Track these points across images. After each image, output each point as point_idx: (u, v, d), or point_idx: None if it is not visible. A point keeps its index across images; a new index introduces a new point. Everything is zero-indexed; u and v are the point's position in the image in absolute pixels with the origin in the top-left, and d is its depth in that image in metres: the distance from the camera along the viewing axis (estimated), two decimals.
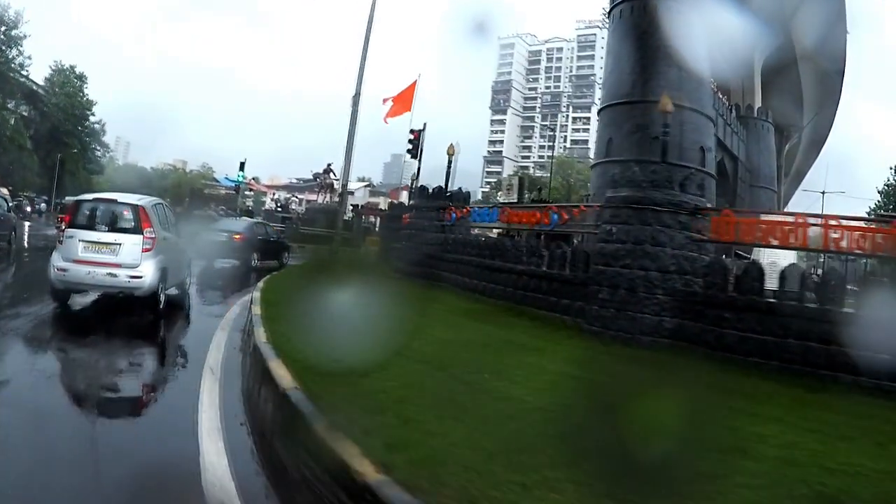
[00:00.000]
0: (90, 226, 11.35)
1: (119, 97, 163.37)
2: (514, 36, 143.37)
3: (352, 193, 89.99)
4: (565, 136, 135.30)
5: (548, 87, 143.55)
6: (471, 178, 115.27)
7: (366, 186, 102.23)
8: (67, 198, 47.99)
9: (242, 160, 51.65)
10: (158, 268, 11.43)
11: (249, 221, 28.75)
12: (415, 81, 43.93)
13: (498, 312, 14.91)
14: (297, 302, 11.69)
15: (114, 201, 11.85)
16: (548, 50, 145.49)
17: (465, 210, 21.96)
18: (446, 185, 23.72)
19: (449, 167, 24.69)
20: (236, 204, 60.99)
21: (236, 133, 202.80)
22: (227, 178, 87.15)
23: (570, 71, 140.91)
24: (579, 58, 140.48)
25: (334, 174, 60.38)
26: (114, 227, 11.40)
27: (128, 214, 11.52)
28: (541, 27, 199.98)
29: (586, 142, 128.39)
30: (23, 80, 64.45)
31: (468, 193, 24.68)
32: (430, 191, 23.61)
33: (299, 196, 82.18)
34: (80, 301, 11.97)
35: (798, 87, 47.74)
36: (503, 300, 16.05)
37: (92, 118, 72.26)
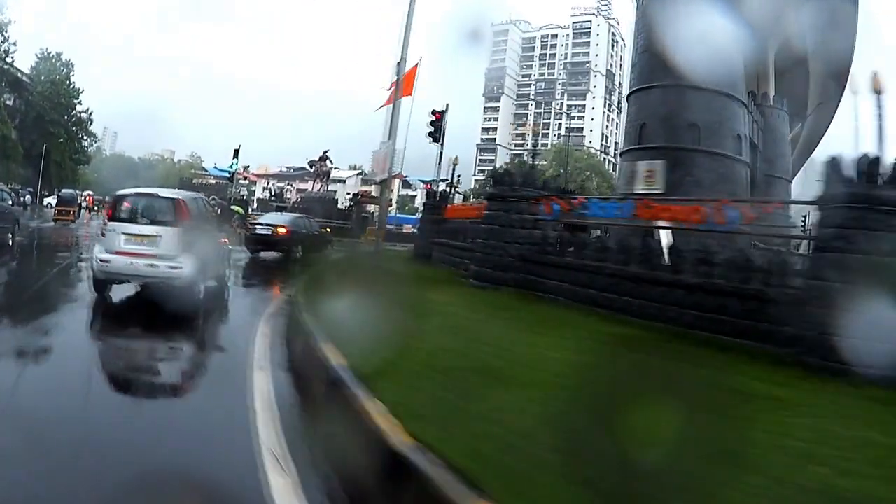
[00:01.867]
0: (131, 219, 11.79)
1: (104, 87, 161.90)
2: (507, 22, 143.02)
3: (343, 182, 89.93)
4: (559, 125, 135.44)
5: (542, 75, 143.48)
6: (462, 168, 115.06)
7: (358, 174, 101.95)
8: (66, 190, 47.86)
9: (236, 147, 50.76)
10: (198, 259, 11.78)
11: (293, 216, 29.37)
12: (416, 65, 43.46)
13: (665, 340, 11.32)
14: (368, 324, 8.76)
15: (154, 195, 12.37)
16: (542, 37, 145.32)
17: (574, 201, 17.90)
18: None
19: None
20: (228, 193, 60.57)
21: (221, 123, 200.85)
22: (216, 168, 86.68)
23: (565, 58, 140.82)
24: (574, 45, 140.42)
25: (331, 161, 59.98)
26: (154, 220, 11.76)
27: (168, 208, 11.88)
28: (535, 14, 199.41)
29: (581, 130, 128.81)
30: (6, 67, 63.68)
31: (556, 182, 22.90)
32: (512, 177, 19.56)
33: (290, 185, 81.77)
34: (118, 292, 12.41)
35: (806, 78, 47.81)
36: (659, 321, 12.37)
37: (79, 107, 71.65)
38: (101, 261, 11.49)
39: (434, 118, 30.60)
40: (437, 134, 30.78)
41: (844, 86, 51.48)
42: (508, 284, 16.69)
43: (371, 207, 52.71)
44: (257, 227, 25.47)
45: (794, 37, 42.25)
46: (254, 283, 18.90)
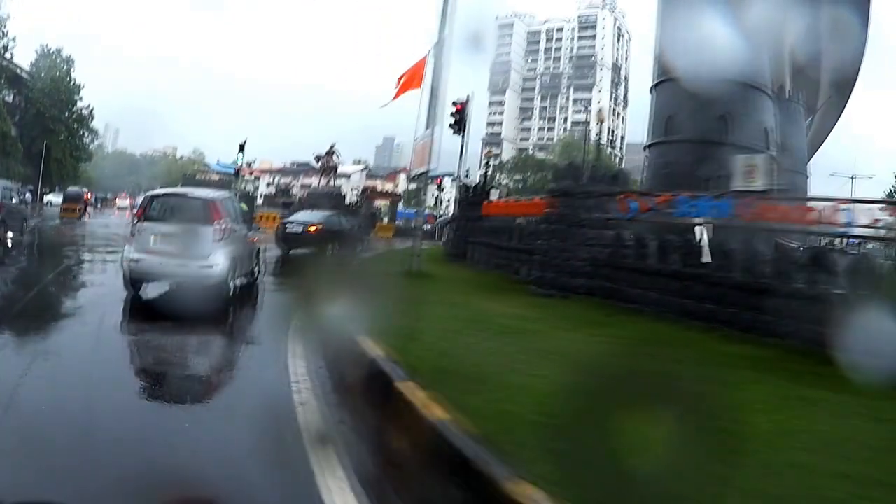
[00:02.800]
0: (162, 219, 12.05)
1: (106, 84, 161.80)
2: (512, 16, 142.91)
3: (348, 177, 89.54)
4: (565, 118, 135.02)
5: (547, 69, 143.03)
6: (468, 162, 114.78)
7: (362, 170, 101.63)
8: (72, 188, 48.05)
9: (242, 141, 49.88)
10: (228, 258, 12.00)
11: (325, 213, 29.49)
12: (424, 57, 43.02)
13: (811, 364, 8.92)
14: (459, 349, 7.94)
15: (185, 195, 13.11)
16: (547, 30, 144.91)
17: (659, 199, 15.83)
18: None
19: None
20: (232, 188, 60.14)
21: (222, 120, 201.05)
22: (219, 164, 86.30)
23: (571, 52, 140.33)
24: (580, 38, 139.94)
25: (338, 156, 59.53)
26: (185, 220, 12.00)
27: (199, 208, 12.21)
28: (540, 7, 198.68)
29: (589, 123, 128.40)
30: (5, 63, 63.31)
31: (627, 174, 22.10)
32: (578, 171, 18.29)
33: (296, 180, 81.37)
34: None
35: (818, 73, 47.51)
36: (803, 342, 10.11)
37: (80, 103, 71.20)
38: (131, 260, 11.65)
39: (456, 109, 29.85)
40: (460, 125, 30.02)
41: (852, 87, 51.50)
42: (578, 292, 14.94)
43: (378, 203, 52.16)
44: (290, 224, 25.93)
45: (802, 37, 41.91)
46: (287, 282, 18.54)
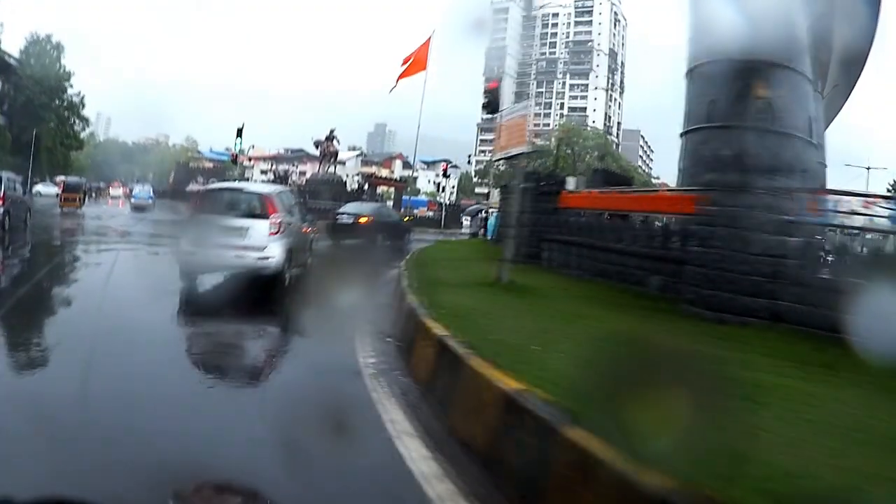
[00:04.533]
0: (219, 212, 12.79)
1: (97, 72, 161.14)
2: (508, 0, 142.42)
3: (342, 163, 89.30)
4: (562, 104, 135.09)
5: (542, 54, 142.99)
6: (461, 148, 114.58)
7: (357, 156, 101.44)
8: (71, 177, 47.96)
9: (240, 126, 49.27)
10: (284, 250, 12.75)
11: (375, 205, 31.68)
12: (428, 39, 42.76)
13: None
14: None
15: (242, 190, 13.91)
16: (543, 15, 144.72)
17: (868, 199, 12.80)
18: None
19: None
20: (227, 176, 59.69)
21: (213, 108, 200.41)
22: (211, 151, 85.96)
23: (567, 37, 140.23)
24: (576, 24, 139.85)
25: (338, 141, 59.09)
26: (241, 213, 12.83)
27: (255, 201, 13.06)
28: None
29: (584, 109, 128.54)
30: None
31: None
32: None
33: (295, 166, 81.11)
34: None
35: (828, 57, 47.56)
36: None
37: (70, 90, 71.45)
38: (188, 252, 12.41)
39: (489, 87, 29.58)
40: (493, 106, 29.72)
41: (859, 73, 51.41)
42: (760, 316, 11.28)
43: (381, 190, 51.79)
44: (341, 216, 27.04)
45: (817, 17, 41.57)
46: (342, 274, 19.07)
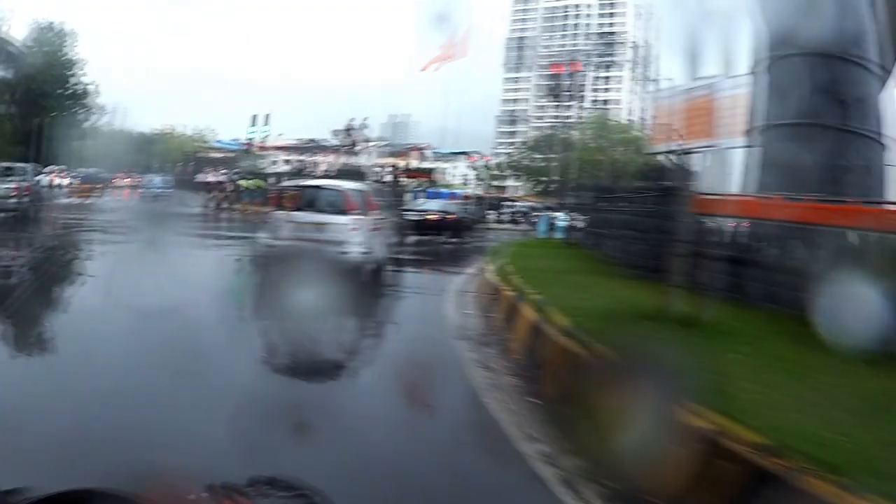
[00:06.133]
0: (300, 208, 13.85)
1: (112, 62, 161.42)
2: None
3: (359, 154, 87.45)
4: (582, 96, 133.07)
5: (563, 46, 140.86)
6: (481, 139, 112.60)
7: (375, 146, 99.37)
8: (86, 169, 47.43)
9: (258, 114, 47.90)
10: (364, 244, 13.65)
11: (445, 202, 32.70)
12: (464, 28, 42.10)
13: None
14: None
15: (322, 187, 15.14)
16: (566, 6, 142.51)
17: None
18: None
19: None
20: (245, 165, 58.44)
21: (227, 97, 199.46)
22: (219, 141, 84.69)
23: (591, 28, 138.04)
24: (600, 15, 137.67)
25: (360, 130, 57.51)
26: (323, 209, 13.78)
27: (335, 198, 14.00)
28: None
29: (607, 102, 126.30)
30: None
31: None
32: None
33: (314, 157, 79.44)
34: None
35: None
36: None
37: (83, 79, 71.37)
38: (269, 246, 13.65)
39: (552, 72, 27.77)
40: (559, 91, 28.01)
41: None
42: None
43: (407, 181, 49.88)
44: (410, 212, 27.90)
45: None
46: (421, 273, 20.13)
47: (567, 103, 26.97)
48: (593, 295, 11.41)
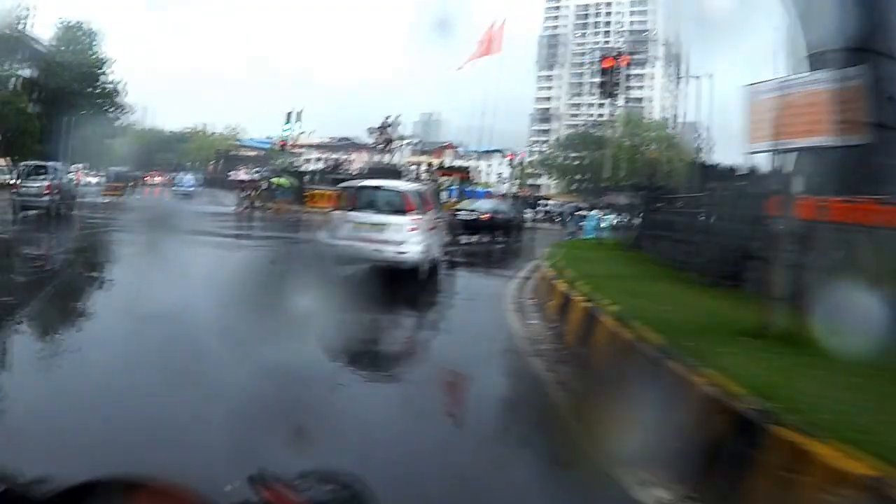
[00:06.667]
0: (359, 208, 14.18)
1: (139, 61, 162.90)
2: None
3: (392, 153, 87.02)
4: (616, 94, 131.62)
5: (597, 43, 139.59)
6: (513, 138, 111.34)
7: (407, 144, 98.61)
8: (115, 168, 47.93)
9: (292, 110, 47.53)
10: (422, 244, 13.94)
11: (495, 202, 33.41)
12: (503, 22, 41.59)
13: None
14: None
15: (382, 188, 15.37)
16: (597, 3, 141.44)
17: None
18: None
19: None
20: (270, 164, 58.04)
21: (255, 96, 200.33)
22: (252, 140, 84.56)
23: (623, 26, 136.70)
24: (632, 13, 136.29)
25: (395, 128, 57.02)
26: (382, 209, 14.10)
27: (395, 199, 14.35)
28: None
29: (640, 100, 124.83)
30: (17, 35, 61.21)
31: None
32: None
33: (349, 155, 79.09)
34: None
35: None
36: None
37: (112, 77, 71.24)
38: (329, 245, 14.17)
39: (606, 66, 26.59)
40: (611, 87, 26.85)
41: None
42: None
43: (442, 179, 49.04)
44: (461, 212, 28.66)
45: None
46: (476, 269, 20.41)
47: (617, 98, 25.98)
48: (673, 305, 10.28)
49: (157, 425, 5.35)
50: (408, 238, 13.56)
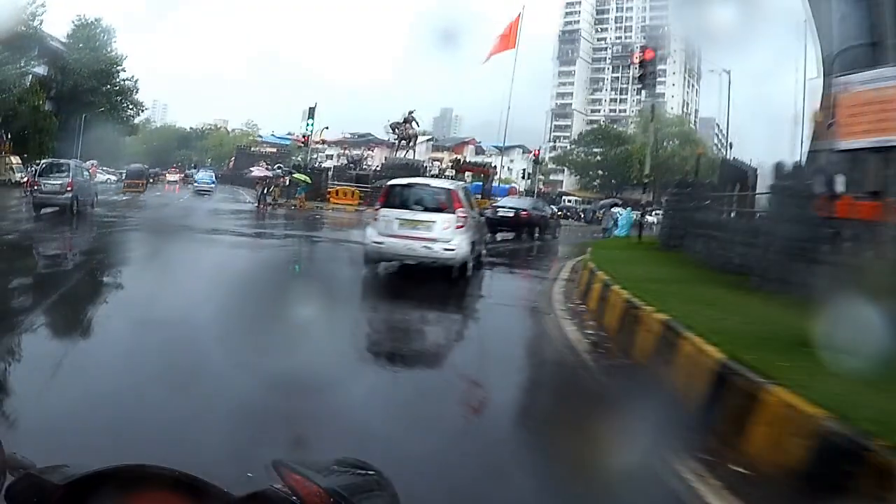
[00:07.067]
0: (405, 205, 14.30)
1: (154, 59, 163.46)
2: None
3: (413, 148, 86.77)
4: (639, 89, 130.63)
5: (618, 38, 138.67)
6: (531, 134, 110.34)
7: (427, 140, 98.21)
8: (134, 165, 48.56)
9: (312, 105, 47.26)
10: (468, 241, 14.13)
11: (531, 199, 34.56)
12: (518, 17, 41.41)
13: None
14: None
15: (427, 185, 15.70)
16: None
17: None
18: None
19: None
20: (291, 161, 57.70)
21: (270, 92, 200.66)
22: (273, 136, 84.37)
23: (642, 21, 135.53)
24: (652, 7, 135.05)
25: (417, 124, 56.59)
26: (428, 207, 14.23)
27: (441, 196, 14.47)
28: None
29: (662, 95, 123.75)
30: (32, 32, 60.90)
31: None
32: None
33: (369, 151, 78.83)
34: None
35: None
36: None
37: (123, 74, 70.73)
38: (374, 242, 14.04)
39: (643, 58, 25.64)
40: (649, 80, 25.85)
41: None
42: None
43: (468, 175, 48.67)
44: (498, 209, 29.17)
45: None
46: (516, 269, 20.64)
47: (654, 90, 25.26)
48: (725, 313, 9.40)
49: (193, 426, 5.42)
50: (455, 235, 13.76)
